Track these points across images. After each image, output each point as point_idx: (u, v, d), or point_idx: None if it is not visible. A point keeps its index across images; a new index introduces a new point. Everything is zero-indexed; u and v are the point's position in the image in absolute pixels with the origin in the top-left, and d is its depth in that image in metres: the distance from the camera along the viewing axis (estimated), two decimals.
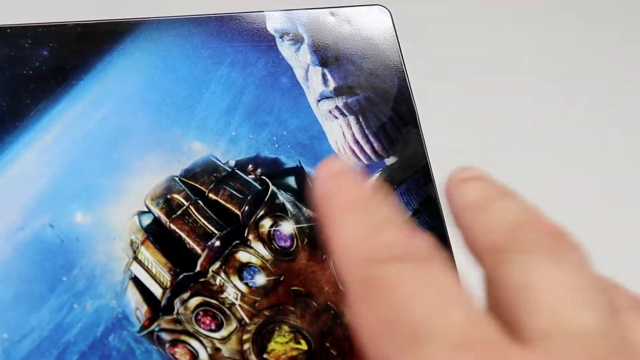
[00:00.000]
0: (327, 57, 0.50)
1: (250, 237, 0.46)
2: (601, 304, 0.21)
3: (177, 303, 0.44)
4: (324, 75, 0.50)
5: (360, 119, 0.49)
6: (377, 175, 0.49)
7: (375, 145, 0.49)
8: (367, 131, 0.49)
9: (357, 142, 0.49)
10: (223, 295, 0.45)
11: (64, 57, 0.48)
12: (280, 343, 0.45)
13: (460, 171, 0.29)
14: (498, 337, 0.20)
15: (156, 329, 0.44)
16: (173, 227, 0.45)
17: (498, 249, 0.23)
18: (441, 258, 0.23)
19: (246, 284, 0.45)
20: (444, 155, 0.48)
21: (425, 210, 0.49)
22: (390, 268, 0.22)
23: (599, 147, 0.52)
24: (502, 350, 0.20)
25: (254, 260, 0.45)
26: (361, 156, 0.49)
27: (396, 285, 0.21)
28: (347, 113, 0.49)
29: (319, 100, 0.49)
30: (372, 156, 0.49)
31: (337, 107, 0.49)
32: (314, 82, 0.50)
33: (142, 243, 0.45)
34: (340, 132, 0.49)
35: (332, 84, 0.50)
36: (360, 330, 0.22)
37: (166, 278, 0.45)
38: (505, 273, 0.22)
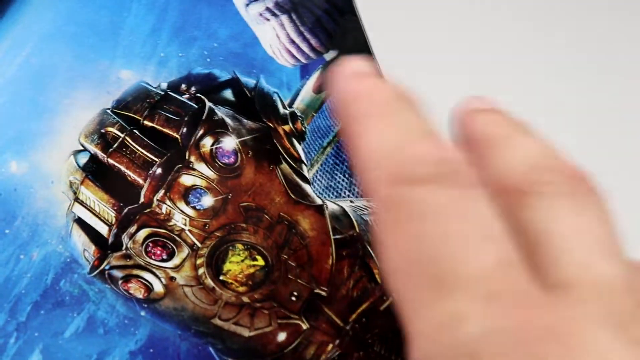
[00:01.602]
0: None
1: (192, 159, 0.43)
2: (623, 255, 0.20)
3: (125, 238, 0.43)
4: None
5: (294, 17, 0.46)
6: (317, 72, 0.46)
7: (313, 41, 0.46)
8: (302, 28, 0.46)
9: (292, 42, 0.46)
10: (171, 223, 0.43)
11: None
12: (235, 262, 0.43)
13: (472, 100, 0.24)
14: (526, 285, 0.18)
15: (107, 267, 0.43)
16: (111, 161, 0.43)
17: (518, 190, 0.21)
18: (476, 179, 0.20)
19: (193, 207, 0.43)
20: (388, 41, 0.45)
21: None
22: (421, 190, 0.19)
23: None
24: (531, 300, 0.18)
25: (199, 182, 0.43)
26: (299, 56, 0.46)
27: (427, 214, 0.19)
28: (278, 13, 0.46)
29: (247, 5, 0.46)
30: (310, 54, 0.46)
31: (267, 9, 0.46)
32: None
33: (82, 183, 0.43)
34: (274, 34, 0.46)
35: None
36: (385, 262, 0.19)
37: (110, 214, 0.43)
38: (529, 217, 0.20)
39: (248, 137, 0.44)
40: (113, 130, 0.44)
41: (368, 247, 0.44)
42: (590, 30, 0.48)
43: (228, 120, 0.44)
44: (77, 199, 0.43)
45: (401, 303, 0.19)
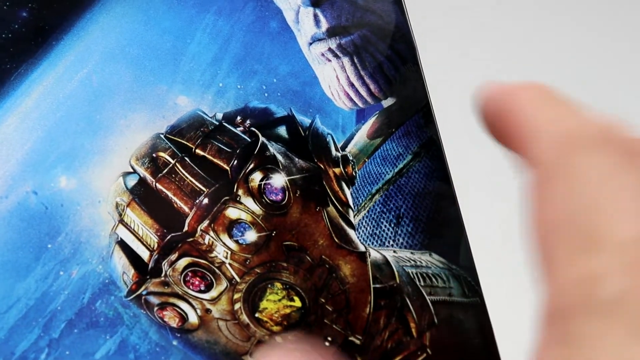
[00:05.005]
0: None
1: (240, 192, 0.43)
2: None
3: (165, 265, 0.43)
4: (315, 16, 0.46)
5: (355, 60, 0.46)
6: (373, 118, 0.46)
7: (372, 86, 0.46)
8: (362, 72, 0.46)
9: (351, 85, 0.46)
10: (212, 255, 0.43)
11: (43, 17, 0.46)
12: (272, 301, 0.42)
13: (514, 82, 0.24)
14: None
15: (144, 292, 0.42)
16: (159, 186, 0.44)
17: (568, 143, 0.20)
18: (638, 147, 0.20)
19: (236, 241, 0.43)
20: (447, 94, 0.44)
21: (426, 153, 0.46)
22: (589, 154, 0.19)
23: None
24: None
25: (244, 216, 0.43)
26: (356, 99, 0.46)
27: (589, 177, 0.19)
28: (340, 55, 0.46)
29: (310, 43, 0.46)
30: (368, 99, 0.46)
31: (330, 49, 0.46)
32: (305, 24, 0.47)
33: (128, 205, 0.43)
34: (334, 75, 0.46)
35: (324, 25, 0.46)
36: (533, 220, 0.19)
37: (153, 240, 0.43)
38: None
39: (298, 176, 0.44)
40: (164, 155, 0.44)
41: (407, 300, 0.43)
42: None
43: (279, 157, 0.44)
44: (121, 221, 0.43)
45: (542, 256, 0.19)
